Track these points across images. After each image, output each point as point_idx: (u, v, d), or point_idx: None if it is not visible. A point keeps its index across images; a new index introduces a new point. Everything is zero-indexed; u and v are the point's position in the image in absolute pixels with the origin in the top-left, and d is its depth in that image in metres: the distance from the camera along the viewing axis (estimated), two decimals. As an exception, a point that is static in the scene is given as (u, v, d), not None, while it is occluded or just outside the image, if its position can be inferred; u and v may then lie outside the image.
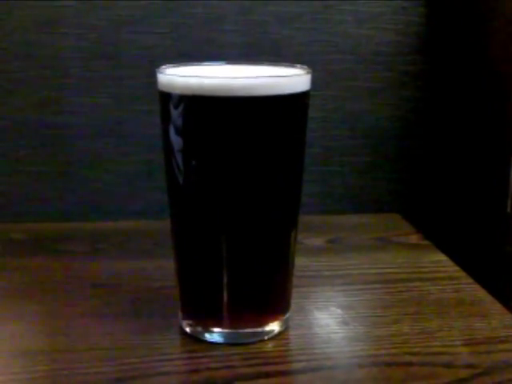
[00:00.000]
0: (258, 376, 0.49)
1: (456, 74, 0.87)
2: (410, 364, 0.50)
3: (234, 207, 0.51)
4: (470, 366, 0.50)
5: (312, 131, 0.86)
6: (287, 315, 0.56)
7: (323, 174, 0.89)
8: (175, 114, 0.50)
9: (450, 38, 0.87)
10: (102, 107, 0.84)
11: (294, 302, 0.57)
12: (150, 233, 0.77)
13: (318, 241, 0.76)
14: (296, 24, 0.85)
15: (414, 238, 0.77)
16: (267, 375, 0.49)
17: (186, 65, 0.55)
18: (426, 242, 0.76)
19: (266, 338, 0.54)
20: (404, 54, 0.88)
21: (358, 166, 0.89)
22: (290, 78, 0.51)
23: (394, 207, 0.88)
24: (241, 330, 0.53)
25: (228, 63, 0.57)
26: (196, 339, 0.54)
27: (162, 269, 0.65)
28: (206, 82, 0.48)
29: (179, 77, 0.50)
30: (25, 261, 0.70)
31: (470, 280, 0.65)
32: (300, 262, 0.63)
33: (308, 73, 0.52)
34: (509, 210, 0.76)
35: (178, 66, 0.54)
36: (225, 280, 0.52)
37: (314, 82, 0.84)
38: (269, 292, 0.54)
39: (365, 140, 0.89)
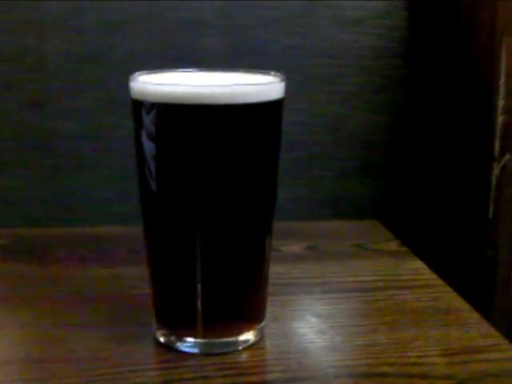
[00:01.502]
0: (233, 386, 0.48)
1: (438, 79, 0.87)
2: (386, 375, 0.50)
3: (207, 214, 0.50)
4: (445, 376, 0.50)
5: (294, 136, 0.86)
6: (262, 324, 0.55)
7: (305, 179, 0.88)
8: (147, 121, 0.49)
9: (432, 43, 0.87)
10: (88, 111, 0.83)
11: (270, 310, 0.57)
12: (128, 239, 0.76)
13: (296, 248, 0.75)
14: (279, 28, 0.85)
15: (393, 245, 0.77)
16: (242, 385, 0.48)
17: (159, 72, 0.54)
18: (404, 249, 0.75)
19: (240, 347, 0.53)
20: (387, 58, 0.88)
21: (340, 171, 0.89)
22: (262, 86, 0.50)
23: (374, 212, 0.88)
24: (215, 340, 0.53)
25: (202, 70, 0.56)
26: (170, 349, 0.53)
27: (140, 276, 0.64)
28: (179, 89, 0.47)
29: (151, 85, 0.49)
30: (3, 266, 0.69)
31: (448, 288, 0.65)
32: (277, 269, 0.63)
33: (282, 80, 0.51)
34: (490, 215, 0.76)
35: (151, 73, 0.53)
36: (198, 289, 0.51)
37: (296, 86, 0.85)
38: (243, 301, 0.53)
39: (347, 145, 0.89)
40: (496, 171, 0.75)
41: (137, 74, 0.52)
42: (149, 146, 0.50)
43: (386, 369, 0.51)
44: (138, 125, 0.50)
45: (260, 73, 0.54)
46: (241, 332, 0.53)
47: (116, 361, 0.51)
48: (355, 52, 0.87)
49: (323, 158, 0.88)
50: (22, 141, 0.83)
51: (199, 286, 0.51)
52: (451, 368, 0.51)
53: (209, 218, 0.50)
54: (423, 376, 0.50)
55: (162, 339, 0.54)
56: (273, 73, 0.53)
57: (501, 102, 0.73)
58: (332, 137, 0.88)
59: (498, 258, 0.76)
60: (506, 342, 0.55)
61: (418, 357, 0.52)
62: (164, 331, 0.54)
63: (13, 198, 0.84)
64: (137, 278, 0.65)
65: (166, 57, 0.82)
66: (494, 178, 0.75)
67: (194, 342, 0.53)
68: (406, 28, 0.87)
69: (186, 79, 0.55)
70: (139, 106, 0.50)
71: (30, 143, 0.83)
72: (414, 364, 0.51)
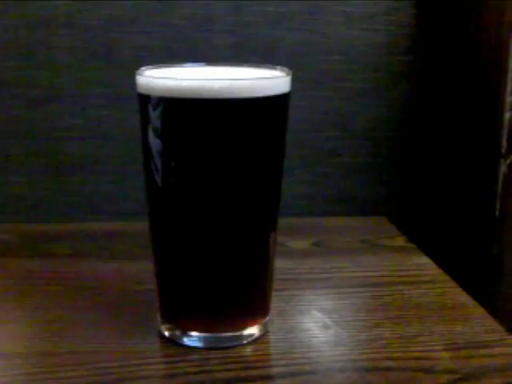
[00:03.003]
0: (237, 380, 0.48)
1: (446, 76, 0.87)
2: (390, 369, 0.50)
3: (213, 209, 0.50)
4: (450, 371, 0.50)
5: (302, 132, 0.86)
6: (267, 319, 0.55)
7: (312, 175, 0.88)
8: (154, 116, 0.50)
9: (440, 39, 0.87)
10: (94, 107, 0.84)
11: (275, 305, 0.57)
12: (134, 235, 0.76)
13: (302, 243, 0.76)
14: (287, 25, 0.85)
15: (399, 241, 0.77)
16: (246, 380, 0.49)
17: (165, 67, 0.54)
18: (410, 245, 0.75)
19: (245, 342, 0.53)
20: (395, 54, 0.87)
21: (347, 167, 0.89)
22: (268, 80, 0.50)
23: (381, 209, 0.88)
24: (220, 334, 0.53)
25: (208, 65, 0.56)
26: (175, 343, 0.53)
27: (145, 271, 0.64)
28: (184, 84, 0.48)
29: (157, 79, 0.49)
30: (5, 262, 0.70)
31: (453, 284, 0.65)
32: (283, 264, 0.63)
33: (288, 75, 0.51)
34: (497, 213, 0.75)
35: (157, 68, 0.53)
36: (203, 283, 0.52)
37: (304, 82, 0.85)
38: (248, 295, 0.54)
39: (355, 141, 0.88)
40: (503, 168, 0.74)
41: (143, 68, 0.52)
42: (155, 141, 0.50)
43: (390, 363, 0.51)
44: (145, 119, 0.51)
45: (266, 67, 0.54)
46: (245, 326, 0.54)
47: (121, 354, 0.51)
48: (363, 49, 0.87)
49: (331, 155, 0.88)
50: (28, 137, 0.83)
51: (204, 281, 0.52)
52: (456, 362, 0.51)
53: (214, 212, 0.50)
54: (427, 370, 0.50)
55: (166, 333, 0.54)
56: (279, 67, 0.53)
57: (508, 99, 0.73)
58: (340, 133, 0.88)
59: (504, 255, 0.76)
60: (511, 337, 0.55)
61: (423, 351, 0.52)
62: (169, 325, 0.54)
63: (17, 194, 0.85)
64: (141, 272, 0.66)
65: (173, 54, 0.82)
66: (501, 175, 0.75)
67: (199, 336, 0.53)
68: (414, 25, 0.87)
69: (193, 74, 0.55)
70: (146, 100, 0.50)
71: (35, 139, 0.83)
72: (418, 358, 0.51)
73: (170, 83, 0.48)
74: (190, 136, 0.49)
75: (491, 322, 0.57)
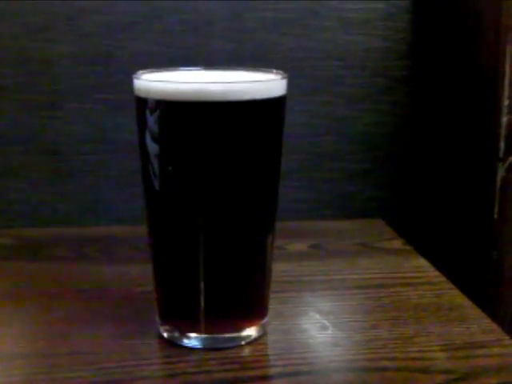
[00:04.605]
0: (235, 381, 0.49)
1: (443, 80, 0.87)
2: (387, 369, 0.50)
3: (210, 212, 0.51)
4: (447, 371, 0.50)
5: (299, 137, 0.87)
6: (265, 320, 0.56)
7: (310, 179, 0.89)
8: (151, 119, 0.50)
9: (437, 44, 0.87)
10: (93, 112, 0.84)
11: (273, 307, 0.57)
12: (134, 238, 0.76)
13: (300, 246, 0.76)
14: (284, 30, 0.85)
15: (396, 244, 0.77)
16: (244, 380, 0.49)
17: (163, 70, 0.55)
18: (407, 248, 0.76)
19: (243, 343, 0.54)
20: (392, 59, 0.88)
21: (345, 172, 0.89)
22: (265, 83, 0.51)
23: (380, 213, 0.88)
24: (218, 335, 0.53)
25: (205, 69, 0.57)
26: (173, 344, 0.54)
27: (145, 274, 0.65)
28: (182, 87, 0.48)
29: (155, 82, 0.50)
30: (7, 266, 0.70)
31: (450, 285, 0.65)
32: (281, 267, 0.63)
33: (283, 78, 0.52)
34: (495, 216, 0.76)
35: (155, 72, 0.54)
36: (201, 285, 0.52)
37: (301, 87, 0.85)
38: (246, 297, 0.54)
39: (352, 146, 0.89)
40: (501, 171, 0.75)
41: (140, 72, 0.52)
42: (152, 144, 0.51)
43: (387, 363, 0.51)
44: (142, 122, 0.51)
45: (262, 71, 0.54)
46: (243, 328, 0.54)
47: (120, 355, 0.52)
48: (360, 53, 0.87)
49: (328, 159, 0.89)
50: (28, 143, 0.84)
51: (202, 283, 0.52)
52: (452, 363, 0.51)
53: (212, 215, 0.51)
54: (424, 371, 0.50)
55: (165, 335, 0.55)
56: (274, 70, 0.54)
57: (506, 102, 0.74)
58: (337, 138, 0.89)
59: (503, 258, 0.76)
60: (507, 337, 0.55)
61: (420, 352, 0.53)
62: (167, 327, 0.55)
63: (18, 199, 0.85)
64: (141, 275, 0.66)
65: (171, 58, 0.83)
66: (499, 179, 0.75)
67: (197, 338, 0.53)
68: (411, 29, 0.87)
69: (190, 77, 0.55)
70: (143, 103, 0.50)
71: (35, 145, 0.84)
72: (415, 359, 0.52)
73: (168, 86, 0.49)
74: (188, 139, 0.49)
75: (488, 323, 0.57)
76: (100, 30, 0.82)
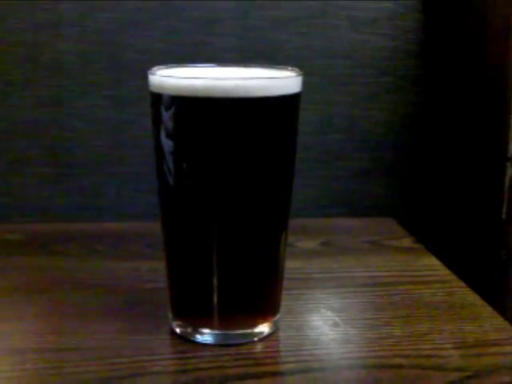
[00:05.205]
0: (248, 377, 0.49)
1: (452, 79, 0.88)
2: (400, 366, 0.50)
3: (225, 209, 0.51)
4: (459, 369, 0.50)
5: (308, 135, 0.87)
6: (277, 317, 0.56)
7: (320, 178, 0.89)
8: (166, 115, 0.50)
9: (446, 43, 0.88)
10: (100, 109, 0.84)
11: (285, 304, 0.57)
12: (144, 234, 0.76)
13: (311, 243, 0.76)
14: (292, 28, 0.85)
15: (407, 242, 0.77)
16: (257, 376, 0.49)
17: (178, 66, 0.55)
18: (418, 246, 0.76)
19: (255, 339, 0.54)
20: (400, 58, 0.88)
21: (354, 170, 0.89)
22: (281, 80, 0.51)
23: (389, 212, 0.88)
24: (231, 331, 0.53)
25: (219, 65, 0.57)
26: (186, 340, 0.54)
27: (156, 270, 0.65)
28: (198, 83, 0.48)
29: (170, 78, 0.50)
30: (18, 261, 0.70)
31: (462, 283, 0.65)
32: (292, 264, 0.63)
33: (299, 75, 0.52)
34: (503, 216, 0.76)
35: (170, 68, 0.54)
36: (215, 281, 0.52)
37: (310, 86, 0.85)
38: (259, 294, 0.54)
39: (361, 145, 0.89)
40: (510, 171, 0.75)
41: (156, 68, 0.52)
42: (167, 139, 0.50)
43: (400, 360, 0.51)
44: (157, 118, 0.51)
45: (276, 68, 0.54)
46: (256, 324, 0.54)
47: (132, 351, 0.52)
48: (368, 53, 0.87)
49: (337, 158, 0.89)
50: (37, 139, 0.84)
51: (216, 279, 0.52)
52: (465, 360, 0.51)
53: (226, 212, 0.51)
54: (437, 368, 0.50)
55: (178, 330, 0.55)
56: (289, 67, 0.54)
57: (515, 103, 0.74)
58: (346, 137, 0.89)
59: (511, 258, 0.76)
60: (519, 336, 0.55)
61: (433, 349, 0.53)
62: (180, 322, 0.55)
63: (28, 195, 0.85)
64: (152, 271, 0.66)
65: (179, 56, 0.83)
66: (507, 179, 0.75)
67: (210, 333, 0.53)
68: (419, 29, 0.87)
69: (204, 73, 0.55)
70: (158, 99, 0.50)
71: (44, 141, 0.84)
72: (428, 356, 0.52)
73: (183, 82, 0.49)
74: (203, 135, 0.49)
75: (500, 321, 0.57)
76: (108, 27, 0.82)
